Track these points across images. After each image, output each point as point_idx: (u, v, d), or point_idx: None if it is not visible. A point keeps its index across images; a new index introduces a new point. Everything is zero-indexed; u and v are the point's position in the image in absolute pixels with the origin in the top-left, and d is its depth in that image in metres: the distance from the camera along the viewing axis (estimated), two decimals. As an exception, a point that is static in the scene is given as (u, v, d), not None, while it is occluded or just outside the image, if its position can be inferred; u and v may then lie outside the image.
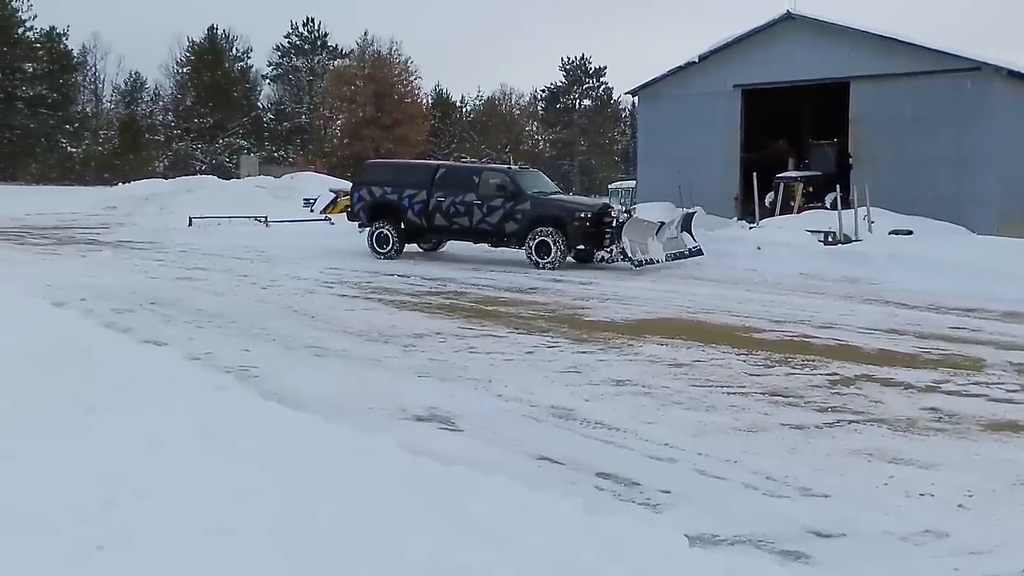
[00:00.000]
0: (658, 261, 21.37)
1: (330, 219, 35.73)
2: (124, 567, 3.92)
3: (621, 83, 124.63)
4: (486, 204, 22.38)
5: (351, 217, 25.21)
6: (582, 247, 21.92)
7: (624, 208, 26.89)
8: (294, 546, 4.10)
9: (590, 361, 9.81)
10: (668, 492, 5.79)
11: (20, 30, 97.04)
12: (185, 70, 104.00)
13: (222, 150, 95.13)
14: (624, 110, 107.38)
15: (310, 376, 8.80)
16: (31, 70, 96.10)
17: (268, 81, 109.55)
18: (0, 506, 4.44)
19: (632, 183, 41.46)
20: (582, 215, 21.62)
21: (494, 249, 23.70)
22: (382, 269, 19.42)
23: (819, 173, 31.55)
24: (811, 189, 30.65)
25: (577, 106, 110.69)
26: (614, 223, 21.83)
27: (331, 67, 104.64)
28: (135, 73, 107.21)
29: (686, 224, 23.03)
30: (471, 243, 23.81)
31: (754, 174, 27.18)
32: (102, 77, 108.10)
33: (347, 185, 51.14)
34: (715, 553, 4.65)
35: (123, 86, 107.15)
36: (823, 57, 30.91)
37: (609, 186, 53.08)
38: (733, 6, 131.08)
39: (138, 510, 4.46)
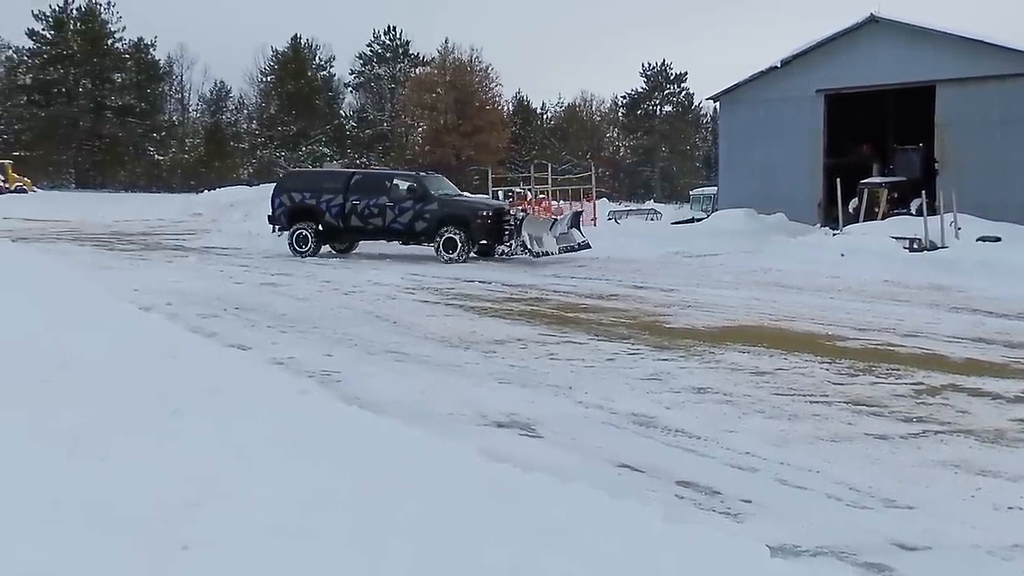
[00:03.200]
0: (552, 253, 24.17)
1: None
2: (208, 567, 3.96)
3: (702, 89, 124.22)
4: (397, 206, 24.77)
5: (271, 221, 27.23)
6: (484, 242, 24.51)
7: (707, 215, 27.15)
8: (374, 550, 4.11)
9: (671, 368, 9.74)
10: (749, 501, 5.72)
11: (109, 41, 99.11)
12: (269, 79, 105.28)
13: (305, 157, 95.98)
14: (705, 116, 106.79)
15: (391, 381, 8.84)
16: (120, 80, 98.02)
17: (350, 89, 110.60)
18: (91, 506, 4.51)
19: (713, 189, 41.17)
20: (484, 214, 24.34)
21: (404, 247, 25.89)
22: (462, 275, 19.46)
23: (904, 179, 31.09)
24: (896, 195, 30.21)
25: (658, 112, 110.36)
26: (512, 221, 24.22)
27: (412, 75, 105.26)
28: (220, 82, 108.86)
29: (575, 222, 26.39)
30: (384, 241, 26.00)
31: (837, 180, 26.89)
32: (188, 86, 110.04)
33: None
34: (797, 564, 4.60)
35: (208, 95, 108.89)
36: (907, 60, 30.45)
37: (690, 192, 52.74)
38: (815, 10, 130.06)
39: (222, 511, 4.50)
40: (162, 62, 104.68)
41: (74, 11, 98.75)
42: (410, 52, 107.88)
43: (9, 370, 7.49)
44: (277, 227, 26.82)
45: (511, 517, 4.50)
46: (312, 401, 6.88)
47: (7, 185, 75.88)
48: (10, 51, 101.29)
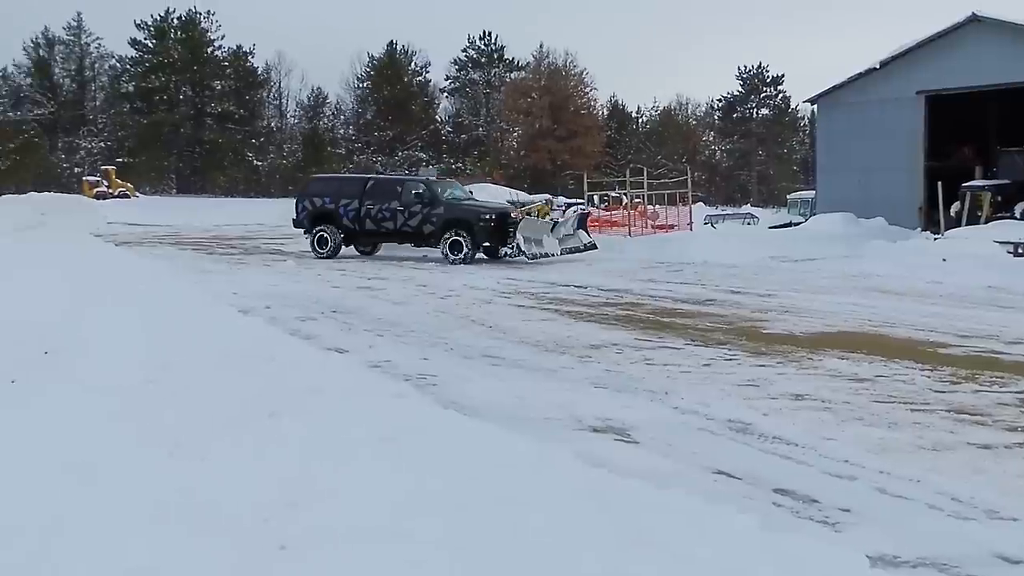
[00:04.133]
0: (553, 255, 25.14)
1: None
2: (305, 567, 4.01)
3: (800, 91, 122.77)
4: (407, 210, 25.92)
5: (296, 224, 28.51)
6: (487, 244, 25.42)
7: (804, 219, 27.04)
8: (469, 553, 4.13)
9: (768, 375, 9.63)
10: (848, 511, 5.62)
11: (209, 49, 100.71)
12: (366, 85, 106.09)
13: (401, 162, 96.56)
14: (803, 119, 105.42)
15: (487, 385, 8.85)
16: (219, 87, 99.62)
17: (446, 94, 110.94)
18: (191, 505, 4.59)
19: (811, 193, 40.66)
20: (487, 217, 25.22)
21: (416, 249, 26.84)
22: (558, 280, 19.45)
23: (1008, 182, 30.38)
24: (1000, 199, 29.53)
25: (755, 115, 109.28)
26: (538, 223, 25.77)
27: (507, 80, 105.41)
28: (317, 88, 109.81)
29: (581, 223, 27.46)
30: (396, 243, 27.19)
31: (938, 183, 26.41)
32: (286, 93, 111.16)
33: (525, 196, 51.61)
34: (897, 575, 4.53)
35: (306, 101, 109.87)
36: (1011, 60, 29.68)
37: (788, 196, 52.13)
38: (914, 9, 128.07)
39: (319, 512, 4.55)
40: (260, 69, 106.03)
41: (175, 20, 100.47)
42: (505, 57, 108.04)
43: (115, 371, 7.66)
44: (304, 231, 28.09)
45: (607, 523, 4.49)
46: (408, 404, 6.92)
47: (111, 191, 77.46)
48: (113, 60, 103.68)
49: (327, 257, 26.53)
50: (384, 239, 27.48)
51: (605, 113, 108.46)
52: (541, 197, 50.64)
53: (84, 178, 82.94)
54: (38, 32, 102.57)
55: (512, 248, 24.73)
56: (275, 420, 6.19)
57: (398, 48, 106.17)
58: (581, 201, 43.72)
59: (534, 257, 24.51)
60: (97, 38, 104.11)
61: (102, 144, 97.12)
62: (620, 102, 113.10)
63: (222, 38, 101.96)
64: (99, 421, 6.15)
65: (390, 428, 6.00)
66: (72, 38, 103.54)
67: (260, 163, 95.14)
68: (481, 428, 6.28)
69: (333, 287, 17.99)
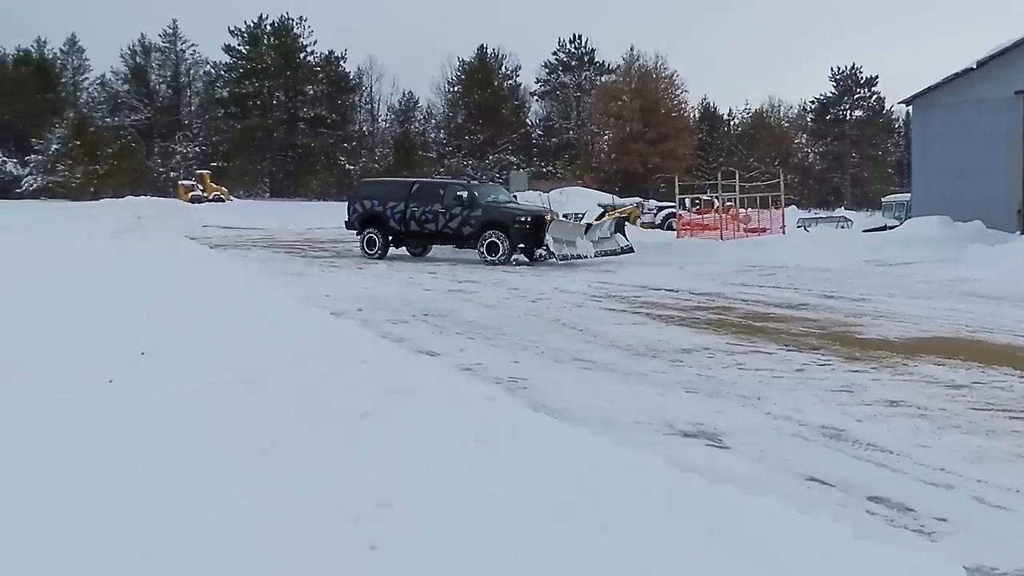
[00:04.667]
0: (587, 256, 25.86)
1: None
2: (395, 568, 4.05)
3: (894, 92, 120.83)
4: (448, 212, 26.98)
5: (348, 226, 29.92)
6: (523, 246, 25.95)
7: (899, 222, 26.74)
8: (559, 558, 4.14)
9: (862, 380, 9.50)
10: (944, 520, 5.53)
11: (302, 55, 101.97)
12: (456, 89, 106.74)
13: (492, 166, 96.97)
14: (897, 120, 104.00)
15: (578, 389, 8.84)
16: (312, 92, 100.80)
17: (536, 98, 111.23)
18: (285, 505, 4.66)
19: (906, 196, 40.08)
20: (522, 219, 25.94)
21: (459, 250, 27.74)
22: (649, 283, 19.36)
23: None
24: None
25: (848, 117, 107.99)
26: (569, 224, 26.64)
27: (598, 83, 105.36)
28: (408, 93, 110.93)
29: (619, 227, 28.14)
30: (438, 244, 28.33)
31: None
32: (377, 97, 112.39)
33: (615, 200, 51.52)
34: (996, 585, 4.46)
35: (397, 105, 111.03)
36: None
37: (882, 199, 51.42)
38: (1012, 8, 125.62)
39: (410, 513, 4.59)
40: (352, 74, 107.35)
41: (268, 26, 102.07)
42: (595, 60, 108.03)
43: (209, 372, 7.78)
44: (356, 232, 29.36)
45: (698, 529, 4.46)
46: (499, 407, 6.93)
47: (205, 194, 78.74)
48: (208, 66, 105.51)
49: (376, 258, 27.55)
50: (427, 240, 28.53)
51: (696, 116, 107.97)
52: (632, 200, 50.64)
53: (179, 182, 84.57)
54: (135, 39, 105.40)
55: (546, 249, 25.25)
56: (367, 421, 6.25)
57: (488, 52, 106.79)
58: (672, 204, 43.58)
59: (564, 258, 25.24)
60: (192, 45, 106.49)
61: (197, 149, 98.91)
62: (711, 104, 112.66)
63: (314, 43, 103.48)
64: (193, 420, 6.25)
65: (481, 431, 6.03)
66: (168, 45, 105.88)
67: (352, 167, 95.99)
68: (572, 432, 6.27)
69: (424, 290, 18.09)
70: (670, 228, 40.62)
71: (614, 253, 26.74)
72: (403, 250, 28.45)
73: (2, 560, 4.08)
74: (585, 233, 26.59)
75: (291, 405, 6.67)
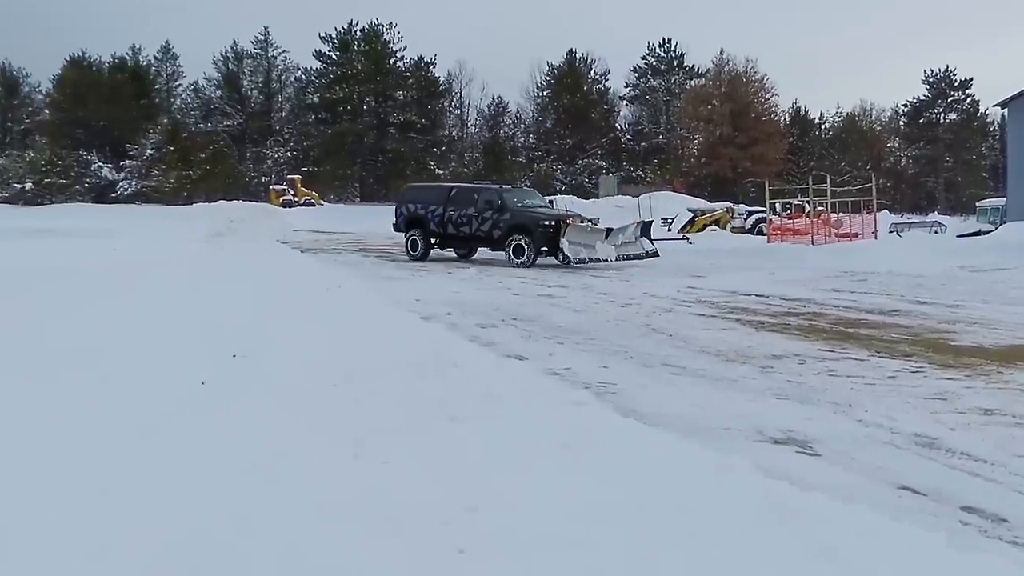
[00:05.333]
0: (607, 260, 26.31)
1: (688, 238, 35.80)
2: (482, 571, 4.06)
3: (989, 95, 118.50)
4: (481, 215, 28.11)
5: (395, 228, 31.28)
6: (546, 248, 26.65)
7: (994, 227, 26.31)
8: (647, 562, 4.13)
9: (956, 388, 9.35)
10: (1041, 531, 5.45)
11: (392, 60, 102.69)
12: (545, 93, 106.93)
13: (581, 170, 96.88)
14: (992, 123, 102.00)
15: (666, 394, 8.80)
16: (402, 97, 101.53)
17: (625, 102, 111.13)
18: (373, 507, 4.71)
19: (1002, 200, 39.37)
20: (545, 223, 26.84)
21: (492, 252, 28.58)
22: (739, 288, 19.21)
23: None
24: None
25: (941, 120, 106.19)
26: (587, 229, 27.26)
27: (688, 87, 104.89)
28: (497, 98, 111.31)
29: (645, 231, 28.50)
30: (474, 247, 29.53)
31: None
32: (467, 102, 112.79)
33: (705, 204, 51.25)
34: (1095, 599, 4.37)
35: (486, 110, 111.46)
36: None
37: (977, 204, 50.54)
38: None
39: (498, 518, 4.60)
40: (442, 79, 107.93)
41: (358, 32, 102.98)
42: (685, 64, 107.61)
43: (299, 375, 7.87)
44: (402, 233, 30.68)
45: (788, 536, 4.43)
46: (588, 412, 6.93)
47: (296, 199, 79.77)
48: (299, 72, 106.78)
49: (418, 259, 29.20)
50: (462, 243, 29.69)
51: (787, 120, 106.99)
52: (722, 205, 50.28)
53: (271, 187, 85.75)
54: (227, 46, 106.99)
55: (560, 253, 26.07)
56: (455, 425, 6.29)
57: (577, 56, 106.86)
58: (762, 209, 43.21)
59: (580, 262, 25.89)
60: (283, 51, 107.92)
61: (288, 154, 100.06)
62: (802, 108, 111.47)
63: (404, 49, 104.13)
64: (283, 422, 6.34)
65: (569, 435, 6.03)
66: (260, 52, 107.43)
67: (441, 172, 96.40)
68: (660, 437, 6.25)
69: (513, 294, 18.13)
70: (760, 233, 40.27)
71: (638, 257, 27.37)
72: (495, 255, 28.50)
73: (99, 554, 4.17)
74: (606, 237, 26.97)
75: (380, 408, 6.73)
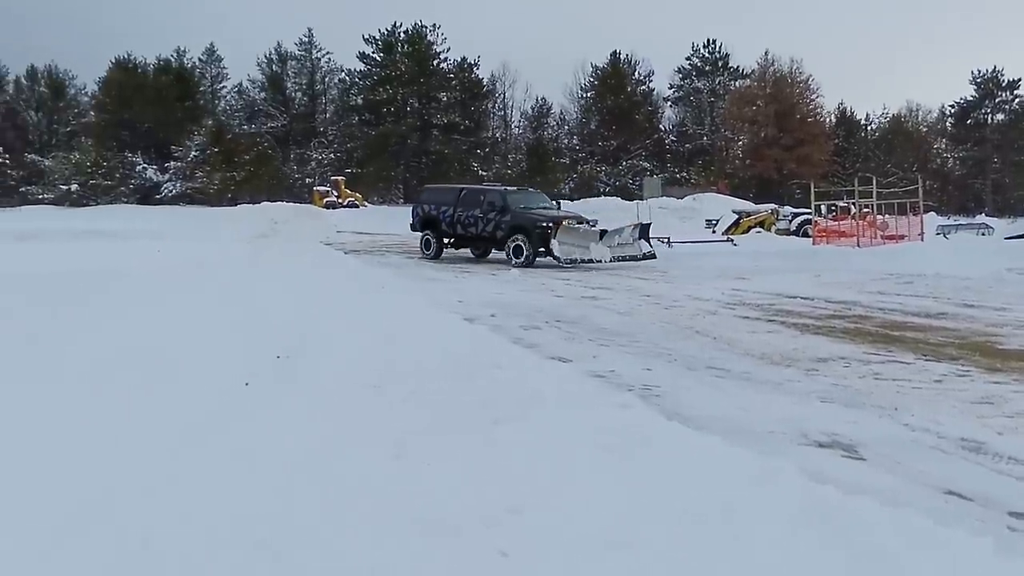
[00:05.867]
0: (600, 261, 26.88)
1: (732, 240, 35.66)
2: (525, 574, 4.08)
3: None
4: (485, 216, 29.07)
5: (412, 228, 32.65)
6: (543, 249, 27.06)
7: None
8: (690, 565, 4.12)
9: (1004, 392, 9.25)
10: (1091, 536, 5.39)
11: (435, 62, 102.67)
12: (589, 95, 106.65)
13: (625, 172, 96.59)
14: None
15: (711, 397, 8.78)
16: (445, 99, 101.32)
17: (670, 103, 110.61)
18: (414, 509, 4.72)
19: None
20: (543, 224, 27.31)
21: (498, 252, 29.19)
22: (784, 291, 19.11)
23: None
24: None
25: (989, 121, 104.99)
26: (580, 230, 27.62)
27: (732, 88, 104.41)
28: (541, 99, 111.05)
29: (643, 233, 28.73)
30: (481, 247, 30.49)
31: None
32: (510, 103, 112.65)
33: (750, 206, 51.01)
34: None
35: (530, 112, 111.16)
36: None
37: (1028, 206, 49.94)
38: None
39: (541, 520, 4.61)
40: (485, 80, 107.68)
41: (402, 34, 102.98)
42: (729, 65, 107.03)
43: (342, 376, 7.91)
44: (418, 233, 32.07)
45: (833, 541, 4.41)
46: (632, 415, 6.93)
47: (340, 200, 79.99)
48: (343, 74, 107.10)
49: (431, 258, 30.41)
50: (471, 243, 30.67)
51: (832, 121, 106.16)
52: (767, 207, 49.96)
53: (314, 188, 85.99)
54: (271, 48, 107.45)
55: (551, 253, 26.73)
56: (498, 427, 6.30)
57: (621, 57, 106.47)
58: (807, 211, 42.92)
59: (571, 262, 26.52)
60: (327, 53, 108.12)
61: (332, 155, 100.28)
62: (848, 109, 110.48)
63: (448, 50, 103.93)
64: (325, 423, 6.38)
65: (614, 437, 6.03)
66: (304, 53, 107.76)
67: (485, 173, 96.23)
68: (705, 440, 6.23)
69: (556, 296, 18.13)
70: (805, 235, 39.98)
71: (634, 259, 27.79)
72: (538, 257, 28.55)
73: (143, 547, 4.21)
74: (601, 239, 27.46)
75: (421, 409, 6.76)
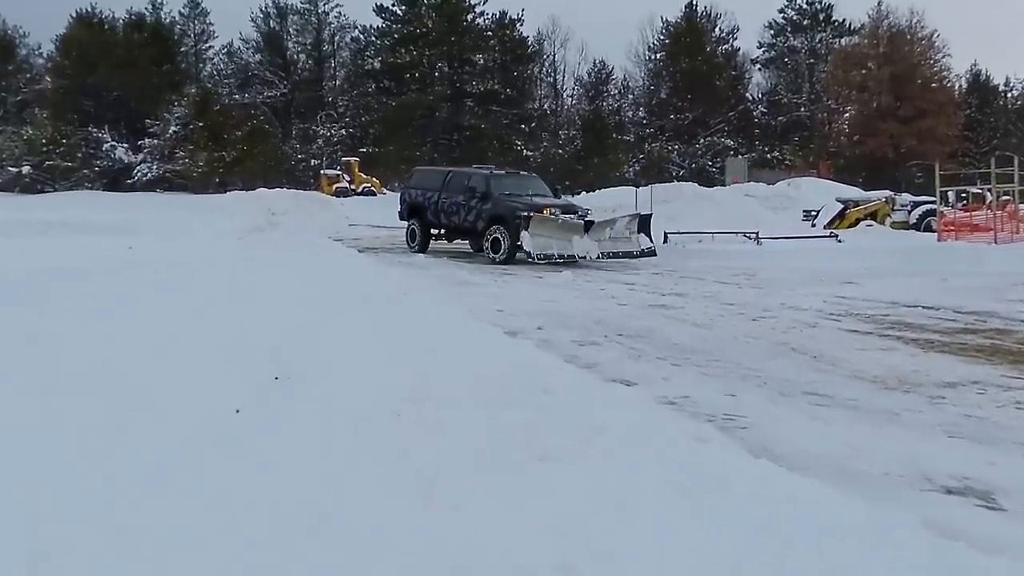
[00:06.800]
0: (585, 257, 27.74)
1: (837, 235, 35.41)
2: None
3: None
4: (467, 204, 30.11)
5: (400, 217, 34.02)
6: (520, 243, 27.48)
7: None
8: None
9: None
10: None
11: (469, 17, 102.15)
12: (659, 57, 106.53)
13: (703, 152, 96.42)
14: None
15: (809, 430, 8.73)
16: (481, 62, 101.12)
17: (758, 67, 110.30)
18: (445, 566, 4.71)
19: None
20: (522, 214, 27.62)
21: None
22: (902, 299, 19.01)
23: None
24: None
25: None
26: (558, 221, 28.20)
27: (836, 47, 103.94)
28: (599, 62, 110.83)
29: (643, 226, 29.29)
30: (469, 239, 31.76)
31: None
32: (561, 68, 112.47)
33: (858, 193, 50.67)
34: None
35: (586, 78, 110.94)
36: None
37: None
38: None
39: (596, 576, 4.62)
40: (530, 39, 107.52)
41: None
42: (833, 19, 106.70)
43: (356, 401, 7.93)
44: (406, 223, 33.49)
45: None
46: (711, 451, 6.90)
47: (353, 187, 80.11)
48: (356, 31, 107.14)
49: (418, 251, 31.93)
50: (456, 235, 32.19)
51: (963, 87, 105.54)
52: (880, 194, 49.65)
53: (322, 172, 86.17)
54: (268, 1, 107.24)
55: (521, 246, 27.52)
56: (546, 465, 6.29)
57: (699, 11, 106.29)
58: (931, 199, 42.62)
59: (546, 259, 27.09)
60: (337, 6, 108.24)
61: (343, 131, 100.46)
62: (983, 72, 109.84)
63: (484, 3, 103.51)
64: (336, 461, 6.37)
65: (687, 478, 6.01)
66: (308, 7, 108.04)
67: (531, 152, 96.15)
68: (801, 484, 6.20)
69: (619, 304, 18.13)
70: (929, 229, 39.71)
71: (629, 256, 28.65)
72: (597, 256, 28.53)
73: None
74: (587, 232, 28.13)
75: (452, 443, 6.75)
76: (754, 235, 32.58)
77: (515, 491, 5.77)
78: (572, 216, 29.00)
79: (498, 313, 15.87)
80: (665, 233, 31.87)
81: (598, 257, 27.73)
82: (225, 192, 66.49)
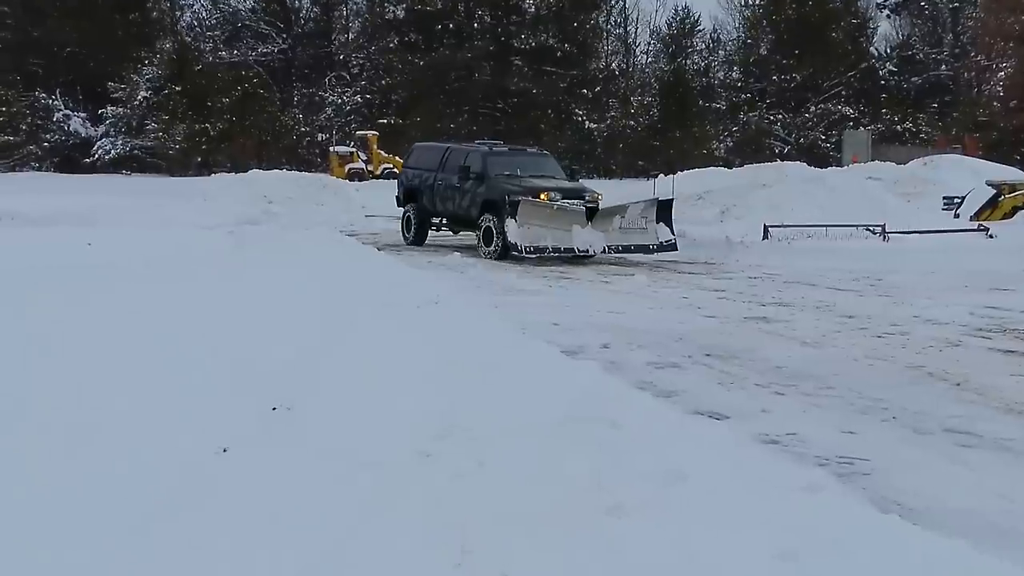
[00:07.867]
0: (586, 251, 28.49)
1: (987, 229, 35.19)
2: None
3: None
4: (462, 187, 30.86)
5: (398, 202, 35.29)
6: None
7: None
8: None
9: None
10: None
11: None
12: (758, 5, 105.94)
13: (814, 123, 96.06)
14: None
15: (950, 477, 8.71)
16: (532, 10, 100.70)
17: (887, 13, 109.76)
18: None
19: None
20: (515, 199, 28.12)
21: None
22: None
23: None
24: None
25: None
26: (553, 207, 28.66)
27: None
28: (683, 10, 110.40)
29: (662, 214, 29.69)
30: (461, 230, 33.02)
31: None
32: (634, 17, 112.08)
33: (1016, 174, 50.31)
34: None
35: (664, 29, 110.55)
36: None
37: None
38: None
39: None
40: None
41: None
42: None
43: (375, 439, 7.95)
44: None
45: None
46: (823, 502, 6.89)
47: (370, 168, 79.96)
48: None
49: (413, 244, 33.10)
50: (455, 225, 33.24)
51: None
52: (1039, 178, 49.45)
53: (331, 149, 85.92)
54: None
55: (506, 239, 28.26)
56: (616, 519, 6.29)
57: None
58: (1109, 184, 42.36)
59: (537, 252, 27.85)
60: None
61: (358, 98, 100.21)
62: None
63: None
64: (352, 514, 6.38)
65: (793, 538, 6.00)
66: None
67: (595, 125, 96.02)
68: (941, 545, 6.18)
69: (706, 316, 18.12)
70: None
71: (644, 250, 29.33)
72: (678, 254, 28.54)
73: None
74: (591, 221, 28.69)
75: (496, 491, 6.76)
76: (879, 228, 32.38)
77: (575, 552, 5.78)
78: (574, 202, 29.17)
79: (554, 327, 15.89)
80: (765, 226, 31.63)
81: (604, 251, 28.18)
82: (209, 174, 66.43)
